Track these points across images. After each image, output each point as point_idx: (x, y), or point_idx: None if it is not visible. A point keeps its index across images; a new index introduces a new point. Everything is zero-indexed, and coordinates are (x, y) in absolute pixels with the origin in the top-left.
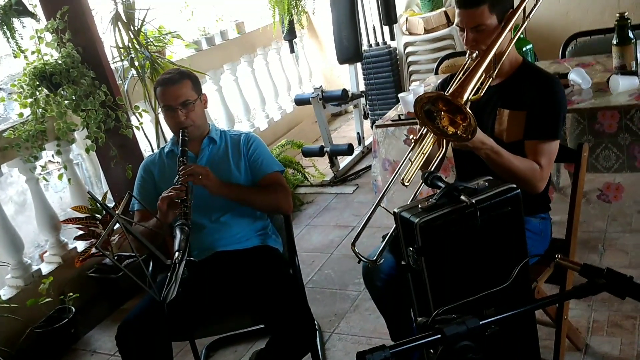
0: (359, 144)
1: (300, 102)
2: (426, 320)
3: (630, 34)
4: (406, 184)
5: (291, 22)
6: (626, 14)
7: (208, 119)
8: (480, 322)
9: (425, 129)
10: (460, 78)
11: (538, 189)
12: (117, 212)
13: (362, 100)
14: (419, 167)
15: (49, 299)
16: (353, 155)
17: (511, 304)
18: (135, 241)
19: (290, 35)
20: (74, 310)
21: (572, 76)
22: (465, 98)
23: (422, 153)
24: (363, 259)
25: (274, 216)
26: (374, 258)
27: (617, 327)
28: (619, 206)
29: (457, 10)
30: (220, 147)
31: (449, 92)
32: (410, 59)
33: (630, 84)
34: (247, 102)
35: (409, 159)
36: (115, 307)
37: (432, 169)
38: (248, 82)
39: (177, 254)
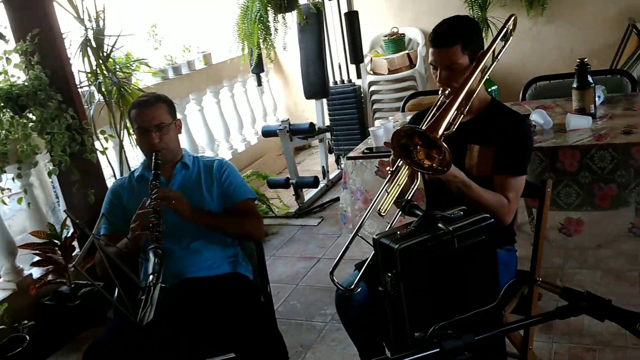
0: (324, 177)
1: (267, 133)
2: (424, 335)
3: (590, 79)
4: (383, 214)
5: (260, 56)
6: (586, 59)
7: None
8: (476, 338)
9: (401, 162)
10: (435, 114)
11: (506, 222)
12: (92, 232)
13: (328, 134)
14: (394, 198)
15: (3, 327)
16: (318, 188)
17: (485, 328)
18: (101, 266)
19: (258, 68)
20: (28, 338)
21: (534, 117)
22: (440, 132)
23: (398, 185)
24: (341, 287)
25: (244, 243)
26: (351, 287)
27: (577, 359)
28: (576, 243)
29: (430, 49)
30: (192, 172)
31: (425, 127)
32: (374, 97)
33: (582, 122)
34: (211, 132)
35: (385, 190)
36: (71, 337)
37: (408, 198)
38: (213, 112)
39: (151, 276)
